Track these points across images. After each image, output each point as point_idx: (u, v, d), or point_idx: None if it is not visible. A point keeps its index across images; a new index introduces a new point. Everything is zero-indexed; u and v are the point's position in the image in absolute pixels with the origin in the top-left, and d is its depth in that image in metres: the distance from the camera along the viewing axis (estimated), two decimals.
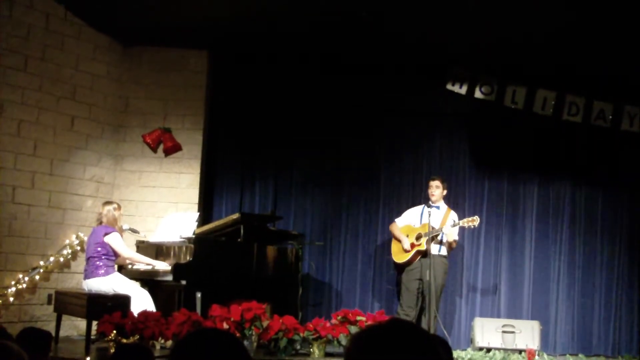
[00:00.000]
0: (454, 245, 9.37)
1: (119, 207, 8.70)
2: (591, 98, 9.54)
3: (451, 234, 9.12)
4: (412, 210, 9.54)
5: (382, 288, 10.26)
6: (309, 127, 10.40)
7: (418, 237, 9.14)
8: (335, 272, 10.44)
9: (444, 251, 9.22)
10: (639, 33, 8.64)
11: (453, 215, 9.37)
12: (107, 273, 8.28)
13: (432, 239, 9.00)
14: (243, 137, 10.50)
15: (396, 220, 9.56)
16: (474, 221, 9.05)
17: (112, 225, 8.51)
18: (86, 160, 9.69)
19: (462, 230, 9.32)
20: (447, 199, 9.63)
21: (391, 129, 10.51)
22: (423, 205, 9.45)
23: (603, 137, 9.93)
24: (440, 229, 9.08)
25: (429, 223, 8.97)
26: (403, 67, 10.06)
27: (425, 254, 8.98)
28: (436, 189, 9.31)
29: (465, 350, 9.21)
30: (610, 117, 9.54)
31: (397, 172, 10.49)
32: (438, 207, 9.24)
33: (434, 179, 9.41)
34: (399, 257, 9.29)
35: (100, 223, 8.54)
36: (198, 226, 9.04)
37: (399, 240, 9.30)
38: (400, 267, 9.35)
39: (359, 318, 8.13)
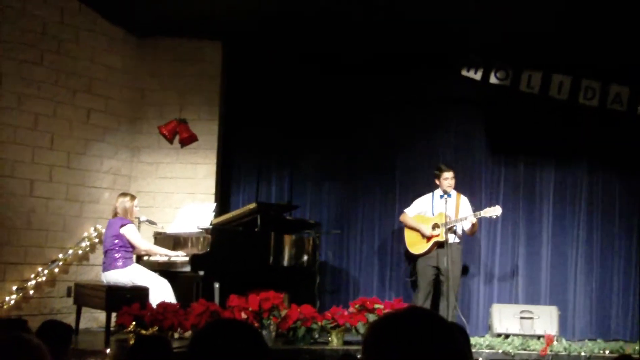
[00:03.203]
0: (476, 227, 9.33)
1: (133, 199, 8.73)
2: (607, 82, 9.46)
3: (469, 220, 9.11)
4: (422, 199, 9.49)
5: (400, 276, 10.24)
6: (324, 115, 10.38)
7: (434, 227, 9.13)
8: (352, 260, 10.45)
9: (458, 239, 9.22)
10: None
11: (464, 200, 9.34)
12: (125, 265, 8.33)
13: (449, 229, 9.00)
14: (259, 127, 10.50)
15: (406, 210, 9.52)
16: (495, 211, 9.03)
17: (126, 217, 8.54)
18: (103, 153, 9.74)
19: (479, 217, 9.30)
20: (461, 186, 9.62)
21: (406, 117, 10.46)
22: (432, 193, 9.43)
23: (620, 121, 9.86)
24: (459, 220, 9.07)
25: (445, 213, 8.96)
26: (418, 53, 9.99)
27: (442, 244, 8.99)
28: (452, 180, 9.26)
29: (484, 336, 9.19)
30: (627, 101, 9.46)
31: (413, 159, 10.45)
32: (450, 195, 9.19)
33: (448, 170, 9.30)
34: (416, 248, 9.28)
35: (116, 215, 8.59)
36: (215, 216, 9.07)
37: (416, 230, 9.28)
38: (414, 257, 9.36)
39: (376, 306, 8.13)
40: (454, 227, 9.10)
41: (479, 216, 9.08)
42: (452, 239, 9.10)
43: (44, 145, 9.06)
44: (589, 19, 8.87)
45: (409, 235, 9.39)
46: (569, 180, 10.27)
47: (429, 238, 9.13)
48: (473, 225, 9.19)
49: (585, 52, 9.65)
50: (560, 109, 9.83)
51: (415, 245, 9.28)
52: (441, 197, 9.18)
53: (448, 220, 8.95)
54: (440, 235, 9.03)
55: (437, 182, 9.35)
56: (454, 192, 9.30)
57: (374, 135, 10.48)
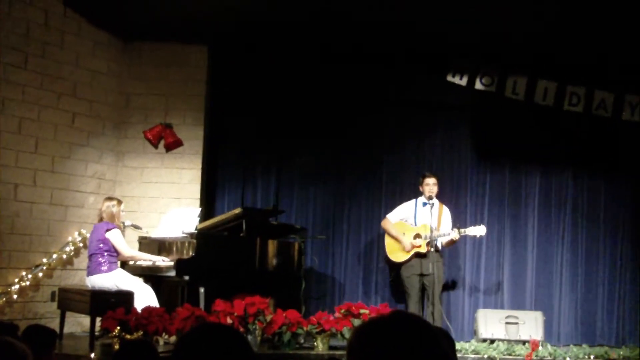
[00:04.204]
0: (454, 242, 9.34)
1: (119, 203, 8.68)
2: (592, 88, 9.51)
3: (451, 236, 9.08)
4: (405, 206, 9.45)
5: (385, 281, 10.23)
6: (310, 120, 10.37)
7: (416, 237, 9.09)
8: (338, 265, 10.43)
9: (436, 250, 9.15)
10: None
11: (446, 211, 9.34)
12: (110, 269, 8.28)
13: (430, 242, 8.93)
14: (244, 131, 10.47)
15: (388, 216, 9.48)
16: (479, 230, 9.02)
17: (112, 221, 8.50)
18: (87, 157, 9.69)
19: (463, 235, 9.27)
20: (447, 192, 9.63)
21: (392, 121, 10.47)
22: (414, 200, 9.41)
23: (604, 127, 9.91)
24: (442, 235, 9.04)
25: (430, 226, 8.91)
26: (404, 58, 10.01)
27: (423, 254, 8.98)
28: (434, 186, 9.23)
29: (469, 341, 9.21)
30: (612, 106, 9.51)
31: (399, 164, 10.46)
32: (433, 204, 9.17)
33: (430, 176, 9.28)
34: (396, 256, 9.22)
35: (101, 219, 8.54)
36: (200, 221, 9.03)
37: (396, 239, 9.25)
38: (395, 264, 9.32)
39: (362, 311, 8.13)
40: (435, 243, 9.04)
41: (463, 234, 9.05)
42: (432, 249, 9.05)
43: (28, 149, 9.01)
44: (574, 25, 8.91)
45: (389, 242, 9.35)
46: (554, 185, 10.31)
47: (410, 247, 9.10)
48: (452, 240, 9.17)
49: (570, 58, 9.69)
50: (546, 115, 9.86)
51: (396, 252, 9.24)
52: (424, 204, 9.17)
53: (432, 234, 8.89)
54: (422, 247, 9.00)
55: (420, 188, 9.34)
56: (437, 202, 9.25)
57: (360, 140, 10.46)
